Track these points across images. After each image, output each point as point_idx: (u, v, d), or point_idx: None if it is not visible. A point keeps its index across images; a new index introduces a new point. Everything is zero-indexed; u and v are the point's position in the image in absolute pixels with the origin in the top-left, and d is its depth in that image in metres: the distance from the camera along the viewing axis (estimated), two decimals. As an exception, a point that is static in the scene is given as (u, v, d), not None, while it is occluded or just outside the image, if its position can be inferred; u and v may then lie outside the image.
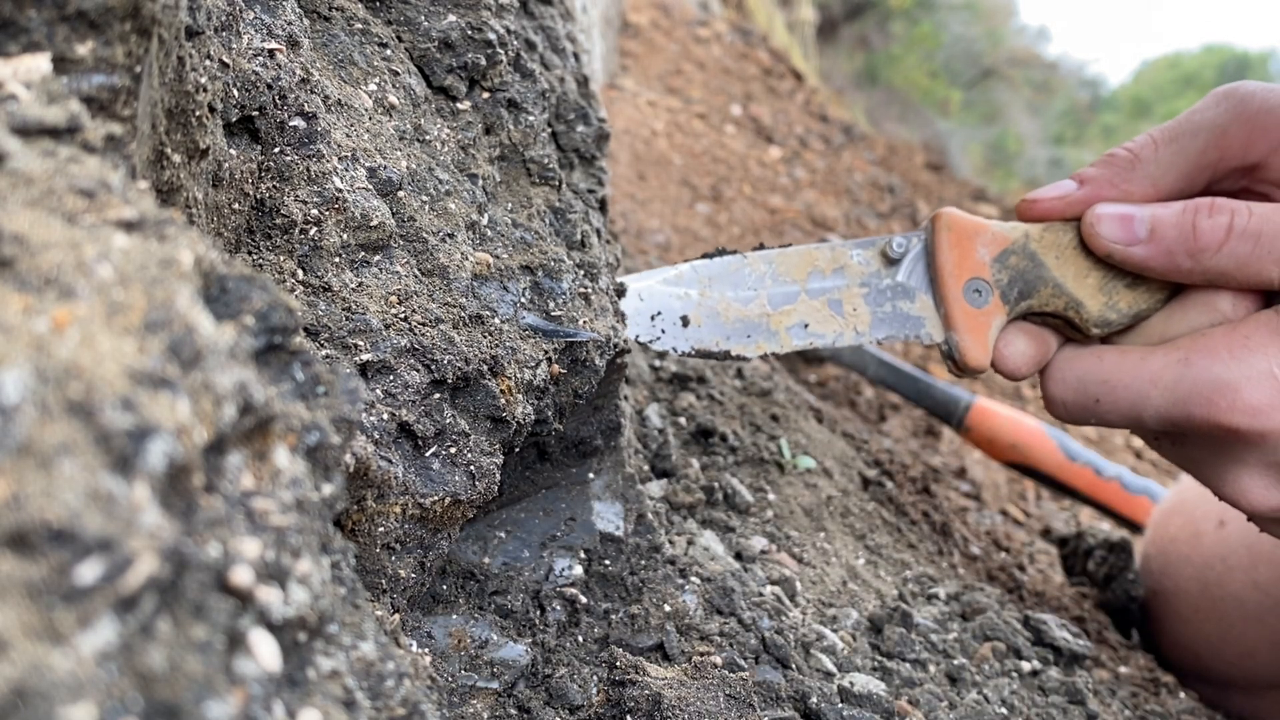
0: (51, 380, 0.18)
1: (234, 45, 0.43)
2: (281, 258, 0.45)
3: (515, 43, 0.63)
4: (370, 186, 0.49)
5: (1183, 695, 0.81)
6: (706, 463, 0.82)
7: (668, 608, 0.58)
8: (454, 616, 0.51)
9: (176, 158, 0.36)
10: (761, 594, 0.64)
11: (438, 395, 0.46)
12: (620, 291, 0.63)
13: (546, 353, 0.52)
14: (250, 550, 0.20)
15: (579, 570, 0.59)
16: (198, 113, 0.37)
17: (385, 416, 0.44)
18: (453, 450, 0.46)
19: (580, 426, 0.64)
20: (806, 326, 0.65)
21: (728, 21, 3.99)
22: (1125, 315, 0.63)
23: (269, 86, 0.45)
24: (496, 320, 0.51)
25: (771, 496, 0.80)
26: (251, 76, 0.44)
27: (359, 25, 0.56)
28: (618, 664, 0.51)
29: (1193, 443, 0.62)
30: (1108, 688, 0.74)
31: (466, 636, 0.49)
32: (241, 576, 0.20)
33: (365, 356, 0.44)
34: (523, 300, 0.54)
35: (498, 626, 0.51)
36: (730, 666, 0.54)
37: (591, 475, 0.65)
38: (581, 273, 0.58)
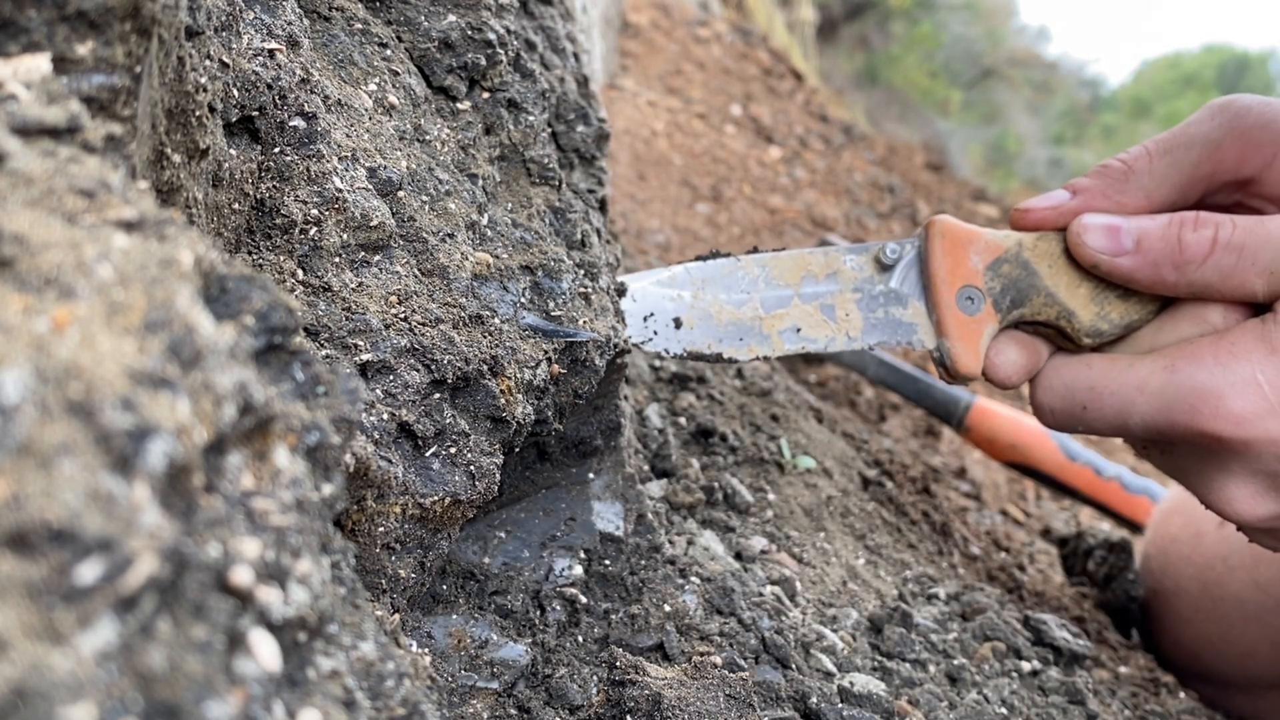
0: (51, 380, 0.18)
1: (234, 45, 0.43)
2: (281, 258, 0.45)
3: (515, 43, 0.63)
4: (370, 186, 0.49)
5: (1183, 695, 0.81)
6: (706, 463, 0.82)
7: (668, 608, 0.58)
8: (454, 616, 0.51)
9: (176, 158, 0.36)
10: (761, 594, 0.64)
11: (438, 395, 0.46)
12: (621, 291, 0.63)
13: (546, 353, 0.52)
14: (250, 550, 0.20)
15: (579, 570, 0.59)
16: (198, 113, 0.37)
17: (385, 416, 0.44)
18: (453, 450, 0.46)
19: (580, 426, 0.64)
20: (799, 331, 0.65)
21: (728, 21, 3.99)
22: (1117, 326, 0.63)
23: (269, 86, 0.45)
24: (496, 320, 0.51)
25: (771, 496, 0.80)
26: (251, 76, 0.44)
27: (359, 25, 0.56)
28: (618, 664, 0.51)
29: (1180, 451, 0.62)
30: (1108, 688, 0.74)
31: (466, 636, 0.49)
32: (241, 576, 0.20)
33: (365, 356, 0.44)
34: (523, 300, 0.54)
35: (498, 626, 0.51)
36: (730, 666, 0.54)
37: (591, 475, 0.65)
38: (581, 272, 0.58)
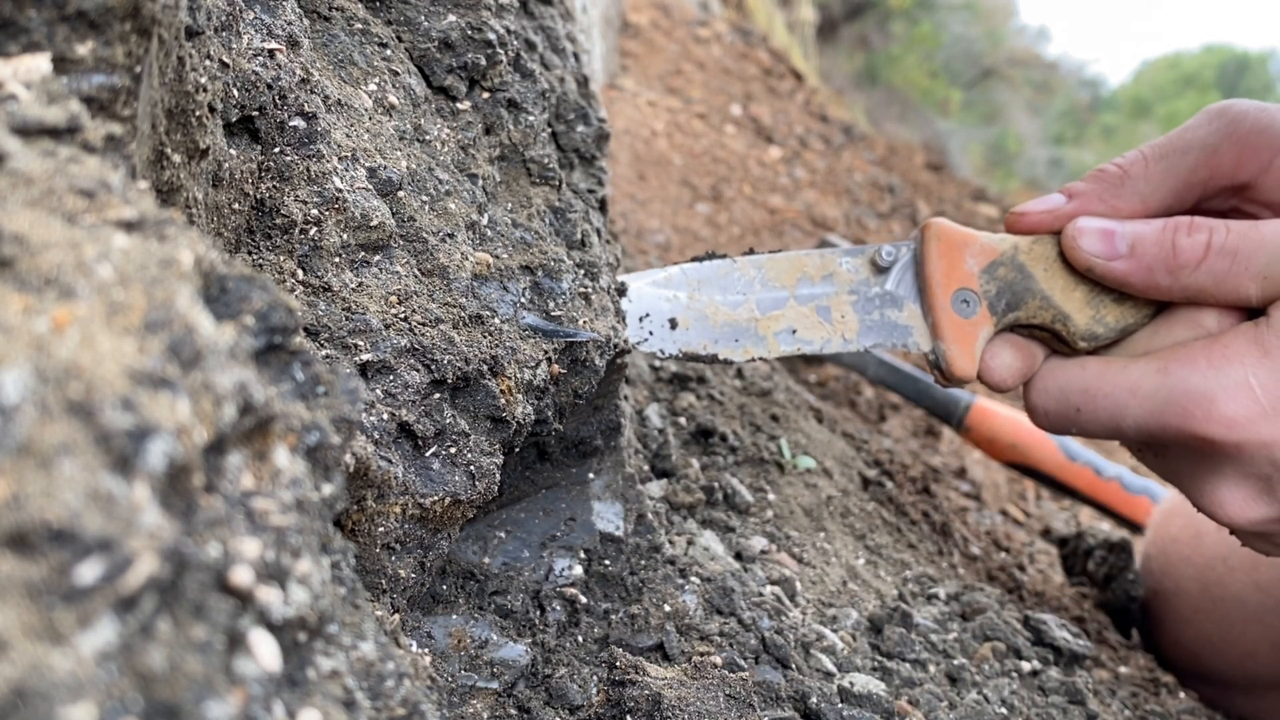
0: (51, 380, 0.18)
1: (234, 45, 0.43)
2: (281, 258, 0.45)
3: (515, 43, 0.63)
4: (370, 186, 0.49)
5: (1183, 695, 0.81)
6: (706, 463, 0.82)
7: (668, 608, 0.58)
8: (454, 616, 0.51)
9: (176, 158, 0.36)
10: (761, 594, 0.64)
11: (438, 395, 0.46)
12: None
13: (546, 353, 0.52)
14: (250, 550, 0.20)
15: (579, 570, 0.59)
16: (198, 113, 0.37)
17: (385, 416, 0.44)
18: (453, 450, 0.46)
19: (580, 426, 0.64)
20: (794, 332, 0.65)
21: (728, 21, 3.99)
22: (1112, 329, 0.63)
23: (269, 86, 0.45)
24: (496, 320, 0.51)
25: (771, 496, 0.80)
26: (251, 76, 0.44)
27: (359, 25, 0.56)
28: (618, 664, 0.51)
29: (1173, 454, 0.62)
30: (1108, 688, 0.74)
31: (466, 636, 0.49)
32: (241, 576, 0.20)
33: (365, 356, 0.44)
34: (523, 300, 0.54)
35: (498, 626, 0.51)
36: (730, 666, 0.54)
37: (591, 475, 0.65)
38: (582, 272, 0.58)
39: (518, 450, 0.55)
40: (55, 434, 0.17)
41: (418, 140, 0.55)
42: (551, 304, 0.55)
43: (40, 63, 0.25)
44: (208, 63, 0.39)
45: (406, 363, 0.45)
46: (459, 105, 0.60)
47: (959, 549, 0.96)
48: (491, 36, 0.60)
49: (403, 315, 0.47)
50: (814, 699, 0.53)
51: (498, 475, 0.48)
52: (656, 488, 0.74)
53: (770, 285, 0.66)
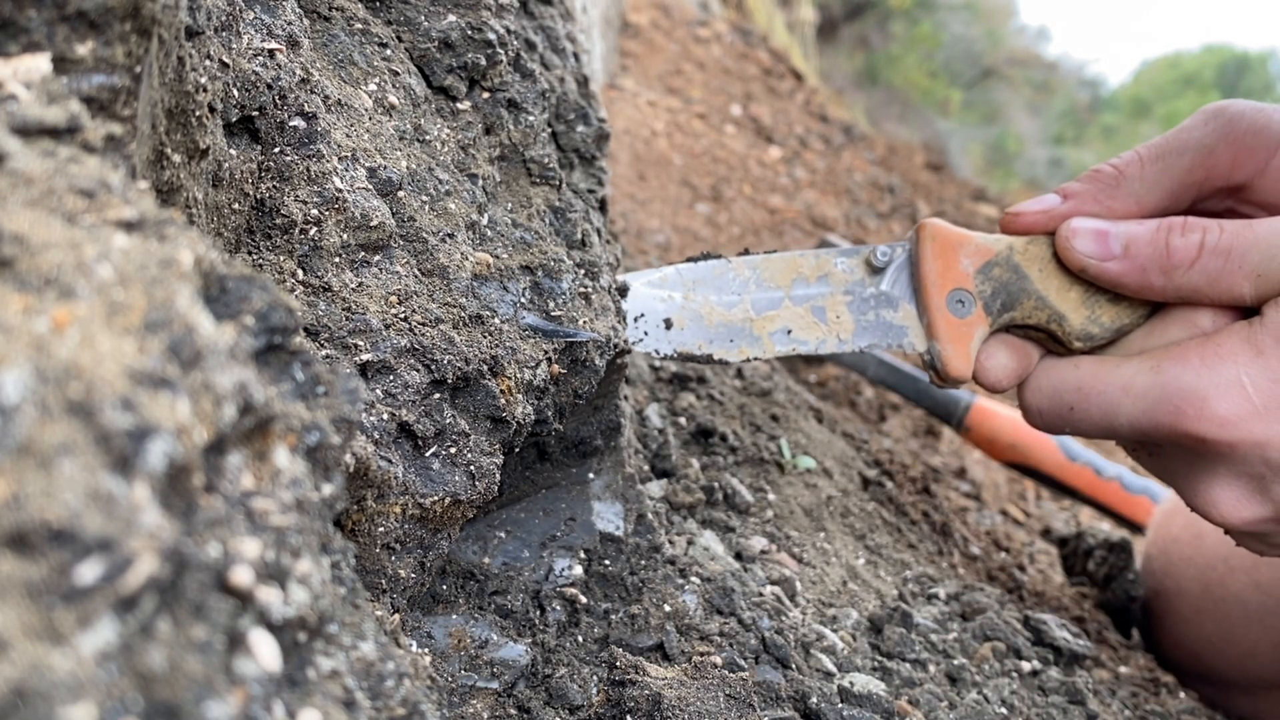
0: (51, 380, 0.18)
1: (234, 45, 0.43)
2: (281, 258, 0.45)
3: (515, 43, 0.63)
4: (370, 186, 0.49)
5: (1183, 695, 0.81)
6: (706, 463, 0.82)
7: (668, 608, 0.58)
8: (454, 616, 0.51)
9: (176, 158, 0.36)
10: (761, 594, 0.64)
11: (438, 395, 0.46)
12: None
13: (546, 353, 0.52)
14: (250, 550, 0.20)
15: (579, 570, 0.59)
16: (198, 113, 0.37)
17: (385, 416, 0.44)
18: (453, 450, 0.46)
19: (580, 426, 0.64)
20: (790, 333, 0.65)
21: (728, 21, 3.99)
22: (1107, 330, 0.63)
23: (269, 86, 0.45)
24: (496, 320, 0.51)
25: (771, 496, 0.80)
26: (251, 76, 0.44)
27: (359, 25, 0.56)
28: (618, 664, 0.51)
29: (1167, 453, 0.62)
30: (1108, 688, 0.74)
31: (466, 636, 0.49)
32: (241, 576, 0.20)
33: (365, 356, 0.44)
34: (523, 300, 0.54)
35: (498, 626, 0.51)
36: (730, 666, 0.54)
37: (591, 475, 0.65)
38: (582, 272, 0.58)
39: (518, 450, 0.55)
40: (55, 434, 0.17)
41: (418, 140, 0.55)
42: (551, 304, 0.55)
43: (40, 63, 0.25)
44: (208, 63, 0.39)
45: (406, 363, 0.45)
46: (459, 105, 0.60)
47: (959, 549, 0.96)
48: (491, 36, 0.60)
49: (403, 315, 0.47)
50: (814, 699, 0.53)
51: (498, 475, 0.48)
52: (656, 488, 0.74)
53: (765, 285, 0.66)
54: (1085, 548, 1.05)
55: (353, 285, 0.46)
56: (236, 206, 0.44)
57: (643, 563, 0.62)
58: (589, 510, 0.63)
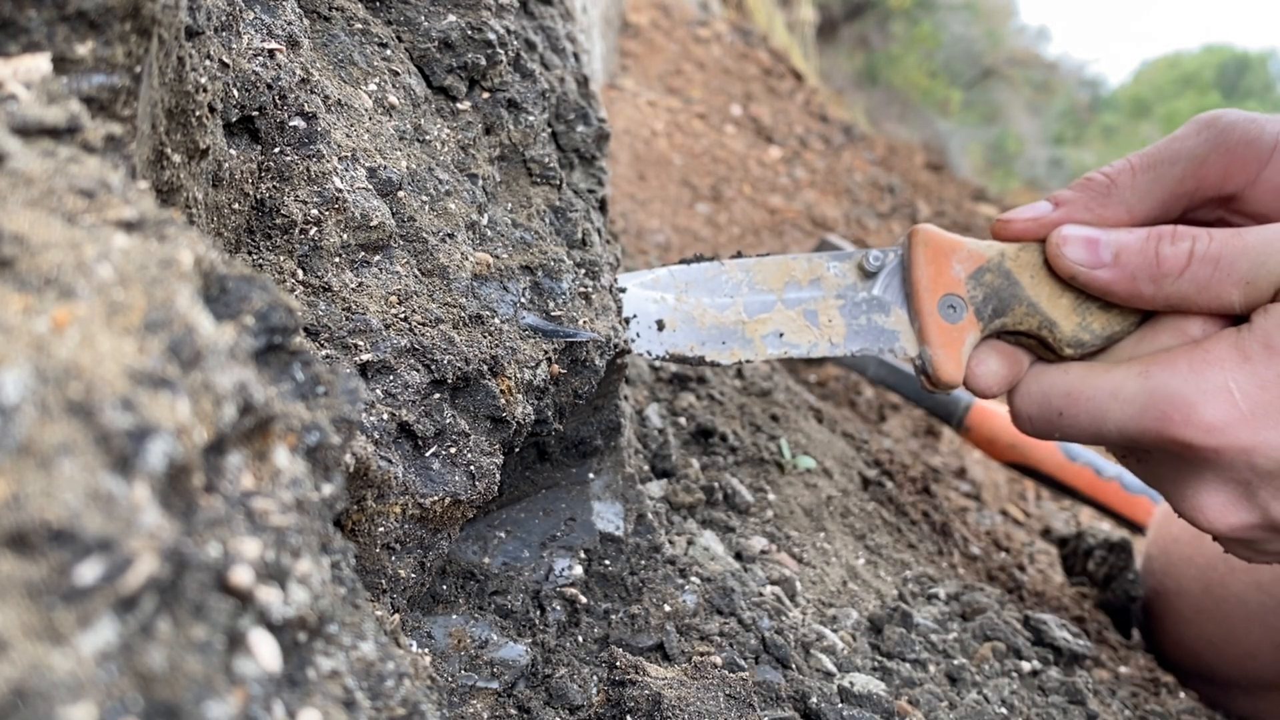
0: (51, 380, 0.18)
1: (234, 45, 0.43)
2: (281, 258, 0.45)
3: (515, 43, 0.63)
4: (370, 186, 0.49)
5: (1183, 695, 0.81)
6: (706, 463, 0.82)
7: (668, 608, 0.58)
8: (454, 616, 0.51)
9: (176, 158, 0.36)
10: (761, 594, 0.64)
11: (438, 395, 0.46)
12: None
13: (546, 353, 0.52)
14: (250, 550, 0.20)
15: (579, 570, 0.59)
16: (198, 113, 0.37)
17: (385, 416, 0.44)
18: (453, 450, 0.46)
19: (580, 426, 0.64)
20: (782, 335, 0.65)
21: (728, 21, 4.00)
22: (1098, 337, 0.63)
23: (269, 86, 0.45)
24: (496, 320, 0.51)
25: (771, 496, 0.80)
26: (251, 76, 0.44)
27: (359, 25, 0.56)
28: (618, 664, 0.51)
29: (1155, 459, 0.62)
30: (1108, 688, 0.74)
31: (466, 636, 0.49)
32: (241, 576, 0.20)
33: (365, 356, 0.44)
34: (523, 300, 0.54)
35: (498, 626, 0.51)
36: (730, 666, 0.54)
37: (591, 475, 0.65)
38: (582, 272, 0.58)
39: (518, 450, 0.55)
40: (55, 434, 0.17)
41: (418, 140, 0.55)
42: (551, 304, 0.55)
43: (40, 63, 0.25)
44: (208, 63, 0.39)
45: (406, 363, 0.45)
46: (459, 105, 0.60)
47: (959, 549, 0.96)
48: (491, 36, 0.60)
49: (403, 315, 0.47)
50: (814, 699, 0.53)
51: (498, 475, 0.48)
52: (656, 488, 0.74)
53: (758, 288, 0.66)
54: (1085, 548, 1.05)
55: (353, 285, 0.46)
56: (236, 206, 0.44)
57: (643, 563, 0.62)
58: (589, 510, 0.63)
